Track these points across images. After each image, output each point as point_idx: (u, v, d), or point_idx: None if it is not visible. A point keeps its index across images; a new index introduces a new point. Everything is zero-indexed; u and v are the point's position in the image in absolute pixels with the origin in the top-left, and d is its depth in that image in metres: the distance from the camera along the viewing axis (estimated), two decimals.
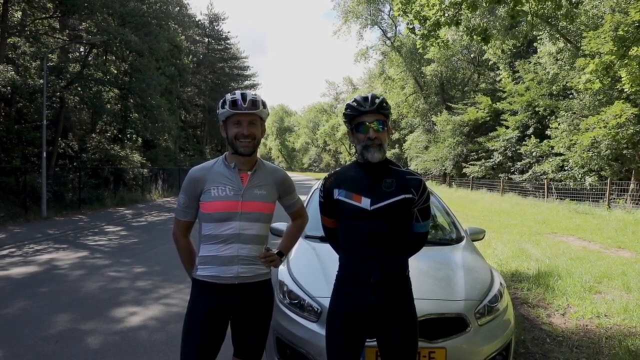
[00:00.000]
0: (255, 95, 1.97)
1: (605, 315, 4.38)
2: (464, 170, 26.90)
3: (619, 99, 15.27)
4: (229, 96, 1.96)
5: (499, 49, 21.93)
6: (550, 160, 19.42)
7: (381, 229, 1.85)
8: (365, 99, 1.87)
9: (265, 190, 2.03)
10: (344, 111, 1.93)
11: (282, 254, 2.18)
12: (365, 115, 1.85)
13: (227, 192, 1.97)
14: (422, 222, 1.97)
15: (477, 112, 25.81)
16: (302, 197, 3.40)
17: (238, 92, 1.97)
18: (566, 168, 18.01)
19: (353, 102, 1.89)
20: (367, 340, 1.95)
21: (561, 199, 17.36)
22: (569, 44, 18.42)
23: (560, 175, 18.41)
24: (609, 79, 10.60)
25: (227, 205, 1.95)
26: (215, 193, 1.96)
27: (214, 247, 1.97)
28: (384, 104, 1.87)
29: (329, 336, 1.93)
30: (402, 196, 1.86)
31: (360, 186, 1.89)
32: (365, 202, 1.85)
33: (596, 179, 16.33)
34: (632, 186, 15.05)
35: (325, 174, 2.14)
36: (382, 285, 1.85)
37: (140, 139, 23.33)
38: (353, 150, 69.38)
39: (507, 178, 22.78)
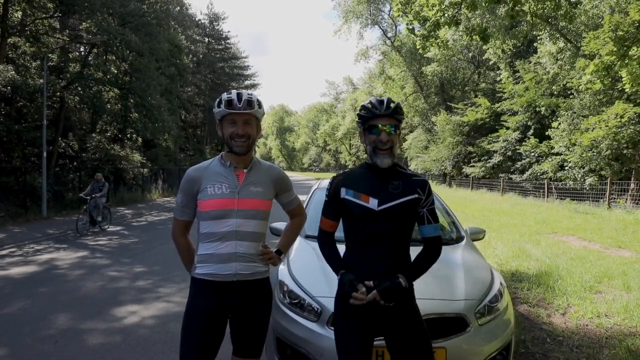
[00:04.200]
0: (251, 95, 1.98)
1: (606, 315, 4.37)
2: (464, 170, 26.89)
3: (619, 99, 15.26)
4: (224, 95, 1.98)
5: (499, 49, 21.93)
6: (550, 160, 19.43)
7: (387, 229, 1.86)
8: (381, 102, 1.89)
9: (262, 188, 2.04)
10: (358, 112, 1.96)
11: (281, 252, 2.18)
12: (379, 119, 1.87)
13: (224, 189, 1.98)
14: (433, 224, 1.95)
15: (477, 113, 25.81)
16: (302, 197, 3.40)
17: (234, 92, 1.98)
18: (566, 168, 18.01)
19: (368, 103, 1.91)
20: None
21: (561, 199, 17.36)
22: (569, 44, 18.42)
23: (560, 175, 18.41)
24: (610, 79, 10.60)
25: (223, 203, 1.96)
26: (212, 191, 1.98)
27: (212, 245, 1.98)
28: (399, 109, 1.90)
29: (338, 336, 1.91)
30: (410, 197, 1.89)
31: (368, 187, 1.91)
32: (372, 203, 1.87)
33: (596, 179, 16.31)
34: (632, 186, 15.05)
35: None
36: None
37: (140, 139, 23.35)
38: (353, 151, 69.58)
39: (507, 178, 22.76)
